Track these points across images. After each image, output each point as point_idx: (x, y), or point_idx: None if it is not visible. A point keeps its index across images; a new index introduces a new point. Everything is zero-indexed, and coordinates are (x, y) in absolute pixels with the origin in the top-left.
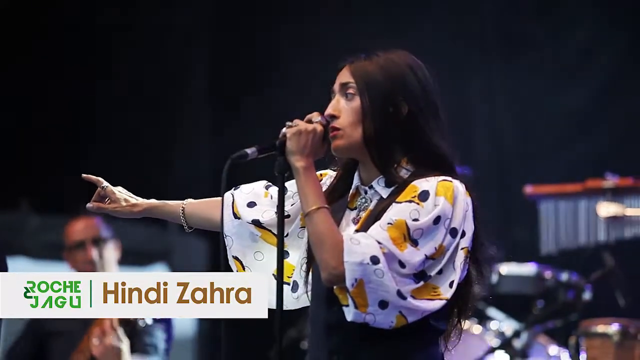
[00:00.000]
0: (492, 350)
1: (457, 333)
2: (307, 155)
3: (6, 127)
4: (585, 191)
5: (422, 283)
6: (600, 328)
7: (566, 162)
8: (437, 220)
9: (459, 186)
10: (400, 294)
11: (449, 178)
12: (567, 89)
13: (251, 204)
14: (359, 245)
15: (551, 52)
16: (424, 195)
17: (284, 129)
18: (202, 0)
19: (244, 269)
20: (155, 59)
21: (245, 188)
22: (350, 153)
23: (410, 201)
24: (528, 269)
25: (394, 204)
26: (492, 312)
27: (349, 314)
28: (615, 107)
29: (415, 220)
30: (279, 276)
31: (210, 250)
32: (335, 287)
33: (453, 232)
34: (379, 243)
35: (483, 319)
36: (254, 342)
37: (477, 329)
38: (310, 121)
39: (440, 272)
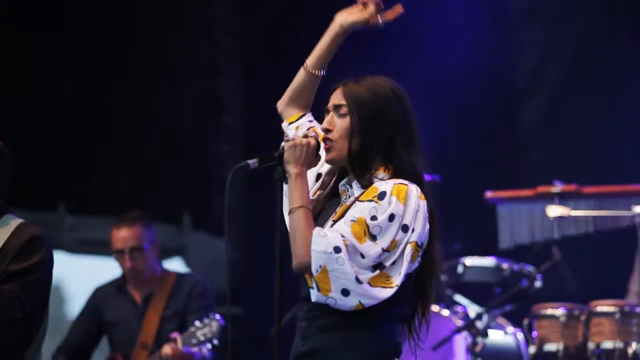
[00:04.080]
0: (458, 330)
1: (422, 320)
2: (301, 165)
3: (47, 142)
4: (537, 195)
5: (377, 272)
6: (549, 311)
7: (520, 170)
8: (391, 217)
9: (412, 189)
10: (358, 280)
11: (405, 182)
12: (523, 105)
13: None
14: (325, 237)
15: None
16: (381, 195)
17: (282, 143)
18: None
19: None
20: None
21: None
22: (340, 163)
23: (370, 200)
24: (488, 261)
25: (357, 202)
26: (458, 297)
27: (313, 295)
28: (561, 123)
29: (374, 218)
30: (279, 265)
31: (222, 246)
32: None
33: (404, 228)
34: (343, 236)
35: (451, 304)
36: (257, 323)
37: (445, 312)
38: (306, 136)
39: (393, 263)
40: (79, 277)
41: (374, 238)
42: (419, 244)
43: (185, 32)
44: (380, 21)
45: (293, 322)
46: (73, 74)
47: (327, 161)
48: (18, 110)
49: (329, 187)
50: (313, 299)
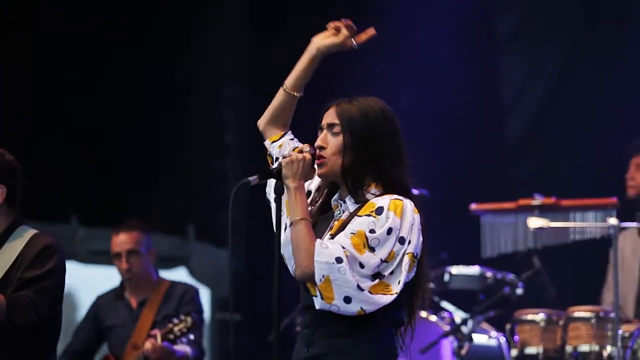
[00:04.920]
0: (445, 334)
1: (409, 325)
2: (299, 179)
3: (60, 158)
4: (518, 208)
5: (377, 281)
6: (530, 316)
7: (503, 184)
8: (389, 231)
9: (407, 204)
10: (359, 287)
11: (400, 197)
12: (506, 125)
13: None
14: (327, 248)
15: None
16: (379, 210)
17: (280, 159)
18: None
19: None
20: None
21: None
22: (331, 178)
23: (368, 215)
24: (473, 269)
25: (356, 217)
26: (444, 304)
27: (317, 303)
28: (541, 141)
29: (372, 231)
30: (277, 274)
31: (224, 256)
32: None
33: (401, 240)
34: (343, 247)
35: (437, 310)
36: (257, 329)
37: (432, 317)
38: (301, 151)
39: (392, 272)
40: (90, 286)
41: (372, 250)
42: (415, 254)
43: (190, 57)
44: (354, 43)
45: (291, 328)
46: (85, 90)
47: (320, 175)
48: (32, 126)
49: (320, 202)
50: (317, 307)
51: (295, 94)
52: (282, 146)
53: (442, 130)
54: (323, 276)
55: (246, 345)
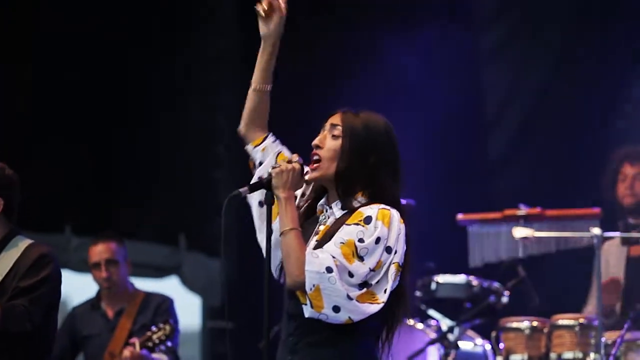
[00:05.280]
0: (432, 342)
1: (397, 330)
2: (288, 189)
3: (54, 171)
4: (504, 218)
5: (364, 290)
6: (515, 324)
7: (489, 195)
8: (378, 240)
9: (394, 214)
10: (348, 297)
11: (388, 207)
12: (492, 135)
13: None
14: (318, 258)
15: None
16: (367, 220)
17: (269, 169)
18: None
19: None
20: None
21: None
22: (323, 182)
23: (357, 224)
24: (459, 278)
25: (344, 225)
26: (431, 312)
27: (307, 311)
28: (526, 152)
29: (361, 240)
30: (267, 283)
31: (215, 265)
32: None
33: (388, 249)
34: (333, 257)
35: (424, 318)
36: (248, 336)
37: (419, 325)
38: (290, 162)
39: (378, 282)
40: (83, 293)
41: (361, 259)
42: (400, 264)
43: (182, 68)
44: (283, 5)
45: (280, 335)
46: (79, 103)
47: (311, 179)
48: (27, 139)
49: (305, 206)
50: (306, 315)
51: (265, 87)
52: (265, 149)
53: (429, 142)
54: (313, 285)
55: (237, 353)
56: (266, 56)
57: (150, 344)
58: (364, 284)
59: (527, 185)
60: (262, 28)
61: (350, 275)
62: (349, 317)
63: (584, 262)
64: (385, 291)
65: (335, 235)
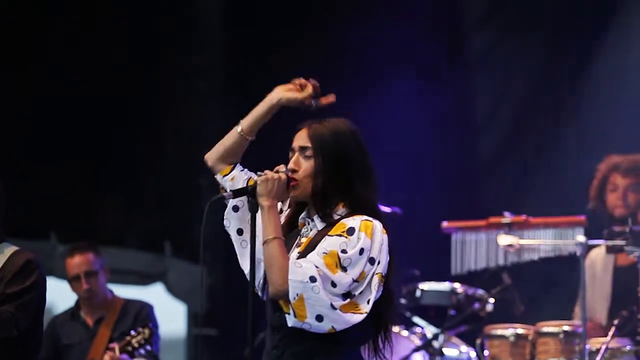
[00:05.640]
0: (417, 349)
1: (385, 339)
2: (272, 197)
3: (40, 178)
4: (488, 226)
5: (348, 300)
6: (499, 331)
7: (474, 203)
8: (361, 251)
9: (377, 225)
10: (332, 306)
11: (370, 218)
12: (477, 145)
13: None
14: (301, 267)
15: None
16: (350, 231)
17: (254, 177)
18: None
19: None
20: None
21: None
22: (304, 199)
23: (340, 235)
24: (444, 285)
25: (327, 236)
26: (416, 319)
27: (290, 321)
28: (511, 160)
29: (344, 251)
30: (251, 290)
31: (197, 273)
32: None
33: (371, 260)
34: (317, 267)
35: (409, 325)
36: (233, 344)
37: (404, 332)
38: (277, 171)
39: (361, 292)
40: (69, 300)
41: (344, 269)
42: (383, 274)
43: (167, 76)
44: (313, 104)
45: (265, 343)
46: (64, 110)
47: (292, 197)
48: (13, 147)
49: (286, 219)
50: (289, 324)
51: (250, 137)
52: (234, 179)
53: (415, 150)
54: (297, 294)
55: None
56: (265, 113)
57: (129, 348)
58: (347, 295)
59: (513, 193)
60: (280, 90)
61: (334, 285)
62: (332, 327)
63: (569, 270)
64: (368, 302)
65: (318, 246)
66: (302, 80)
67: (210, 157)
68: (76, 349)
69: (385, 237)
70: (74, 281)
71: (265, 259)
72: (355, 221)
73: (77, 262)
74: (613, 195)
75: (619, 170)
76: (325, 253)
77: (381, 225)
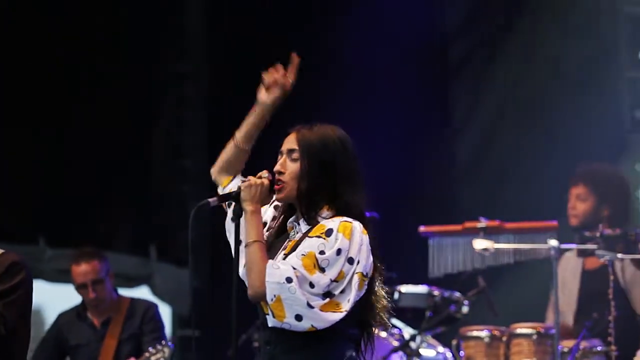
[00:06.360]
0: (395, 349)
1: (368, 338)
2: (256, 202)
3: (28, 183)
4: (464, 230)
5: (328, 300)
6: (475, 332)
7: (450, 208)
8: (339, 252)
9: (356, 226)
10: (309, 305)
11: (349, 219)
12: (453, 152)
13: None
14: (278, 269)
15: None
16: (329, 232)
17: (239, 183)
18: None
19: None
20: None
21: None
22: (290, 201)
23: (318, 237)
24: (421, 288)
25: (306, 238)
26: (394, 320)
27: (270, 321)
28: (485, 167)
29: (322, 252)
30: (234, 294)
31: (184, 275)
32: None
33: (350, 260)
34: (294, 268)
35: (387, 326)
36: (216, 344)
37: (383, 333)
38: (260, 177)
39: (342, 291)
40: (58, 303)
41: (322, 270)
42: (364, 273)
43: (152, 82)
44: (291, 80)
45: (248, 344)
46: (52, 115)
47: (278, 199)
48: (3, 151)
49: (277, 224)
50: (270, 325)
51: (246, 147)
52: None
53: (392, 155)
54: (274, 296)
55: None
56: (257, 120)
57: None
58: (327, 294)
59: (488, 199)
60: (262, 95)
61: (312, 285)
62: (312, 325)
63: (542, 273)
64: (349, 300)
65: (298, 248)
66: (267, 80)
67: (214, 170)
68: (84, 349)
69: (365, 237)
70: (81, 289)
71: (247, 263)
72: (334, 222)
73: (83, 270)
74: (568, 204)
75: (571, 180)
76: (304, 255)
77: (361, 226)
